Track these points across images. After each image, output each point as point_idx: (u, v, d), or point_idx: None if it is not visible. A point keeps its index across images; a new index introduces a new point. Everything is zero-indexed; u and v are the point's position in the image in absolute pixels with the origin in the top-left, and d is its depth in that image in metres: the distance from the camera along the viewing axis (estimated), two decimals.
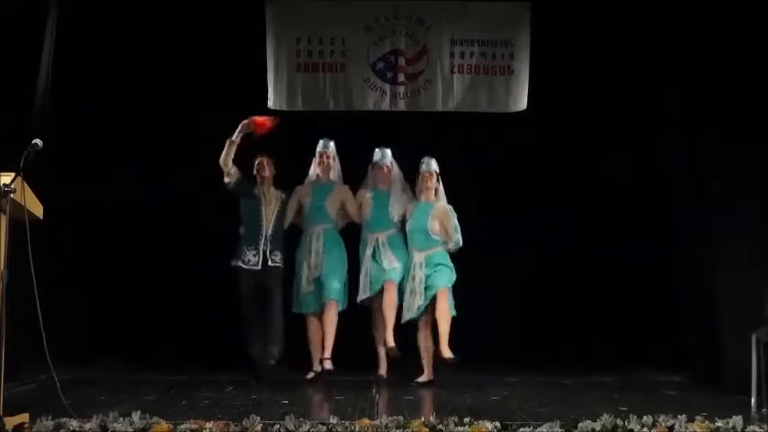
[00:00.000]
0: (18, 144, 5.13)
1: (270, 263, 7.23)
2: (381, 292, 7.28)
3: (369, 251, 7.35)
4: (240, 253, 7.26)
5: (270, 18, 8.31)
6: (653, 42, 7.89)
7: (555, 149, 8.61)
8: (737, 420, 5.13)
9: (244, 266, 7.23)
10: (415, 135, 8.46)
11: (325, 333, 7.25)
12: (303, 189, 7.49)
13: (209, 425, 4.96)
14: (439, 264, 7.24)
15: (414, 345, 7.35)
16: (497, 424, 5.01)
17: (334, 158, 7.49)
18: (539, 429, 4.99)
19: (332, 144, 7.49)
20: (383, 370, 7.38)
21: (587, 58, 8.36)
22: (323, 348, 7.24)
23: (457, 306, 7.27)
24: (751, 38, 7.07)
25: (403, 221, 7.40)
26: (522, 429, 5.02)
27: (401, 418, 5.11)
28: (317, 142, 7.55)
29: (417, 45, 8.41)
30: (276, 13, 8.33)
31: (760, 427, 5.09)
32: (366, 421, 5.08)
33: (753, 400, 6.17)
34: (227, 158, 7.21)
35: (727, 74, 7.16)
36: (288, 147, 7.74)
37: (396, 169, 7.49)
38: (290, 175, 7.58)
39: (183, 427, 4.95)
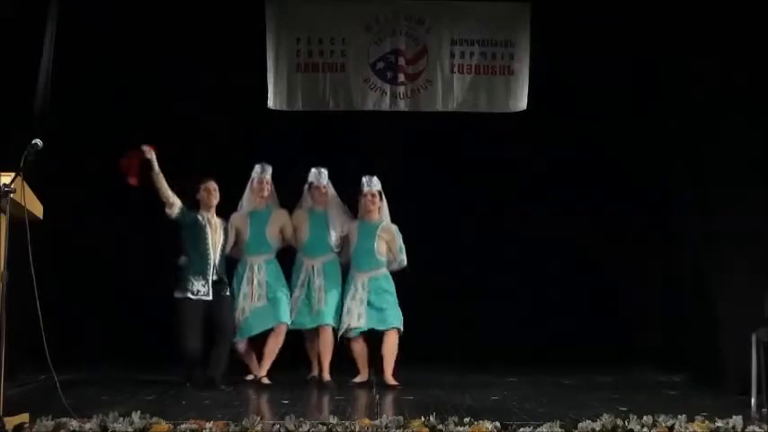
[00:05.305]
0: (18, 144, 5.13)
1: (221, 293, 6.98)
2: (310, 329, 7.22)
3: (302, 277, 7.19)
4: (186, 284, 6.91)
5: (270, 18, 8.30)
6: (653, 42, 7.89)
7: (555, 149, 8.61)
8: (737, 420, 5.13)
9: (192, 297, 6.89)
10: (414, 135, 8.47)
11: (265, 353, 7.13)
12: (239, 218, 7.24)
13: (209, 425, 4.95)
14: (386, 291, 7.13)
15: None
16: (497, 424, 5.00)
17: (269, 183, 7.24)
18: (539, 429, 4.99)
19: (269, 169, 7.23)
20: (315, 372, 7.28)
21: (587, 58, 8.35)
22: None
23: (457, 306, 7.23)
24: (752, 38, 7.07)
25: (343, 243, 7.27)
26: (522, 429, 5.02)
27: (401, 418, 5.10)
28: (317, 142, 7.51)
29: (417, 45, 8.40)
30: (276, 13, 8.32)
31: (760, 427, 5.09)
32: (366, 421, 5.08)
33: (753, 400, 6.16)
34: (163, 190, 6.91)
35: (727, 74, 7.15)
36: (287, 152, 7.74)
37: (332, 190, 7.31)
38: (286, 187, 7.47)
39: (183, 427, 4.94)
